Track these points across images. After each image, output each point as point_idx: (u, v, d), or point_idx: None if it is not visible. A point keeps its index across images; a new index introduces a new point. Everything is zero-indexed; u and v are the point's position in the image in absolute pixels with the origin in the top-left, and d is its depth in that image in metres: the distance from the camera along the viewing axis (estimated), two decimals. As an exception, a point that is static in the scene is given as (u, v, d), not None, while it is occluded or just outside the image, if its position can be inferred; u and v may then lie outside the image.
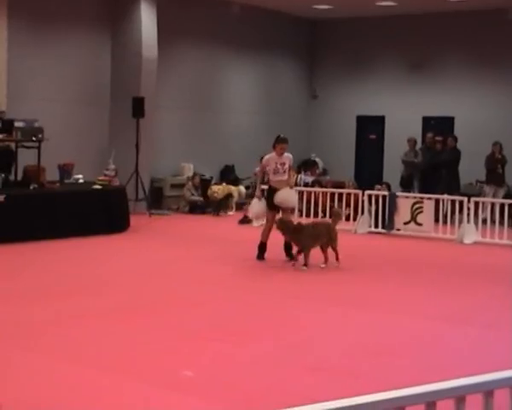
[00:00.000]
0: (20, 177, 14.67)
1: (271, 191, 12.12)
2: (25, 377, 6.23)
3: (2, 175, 14.13)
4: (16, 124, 14.26)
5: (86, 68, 17.92)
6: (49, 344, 7.22)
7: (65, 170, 15.70)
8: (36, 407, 5.67)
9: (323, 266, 11.58)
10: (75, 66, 17.64)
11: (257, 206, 12.52)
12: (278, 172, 12.04)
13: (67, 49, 17.46)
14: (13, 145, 14.64)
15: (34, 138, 14.32)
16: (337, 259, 11.65)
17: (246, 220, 16.92)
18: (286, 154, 12.15)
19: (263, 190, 12.68)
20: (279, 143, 12.14)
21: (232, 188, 19.36)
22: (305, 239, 11.41)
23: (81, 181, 15.75)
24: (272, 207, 12.14)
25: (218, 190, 19.03)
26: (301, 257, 11.52)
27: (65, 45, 17.42)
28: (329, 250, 11.67)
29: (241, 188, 19.67)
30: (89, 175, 16.07)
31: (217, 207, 18.83)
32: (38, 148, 14.35)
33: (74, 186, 15.37)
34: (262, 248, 12.25)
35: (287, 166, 12.14)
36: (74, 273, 10.83)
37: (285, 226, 11.57)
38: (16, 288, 9.73)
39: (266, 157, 12.25)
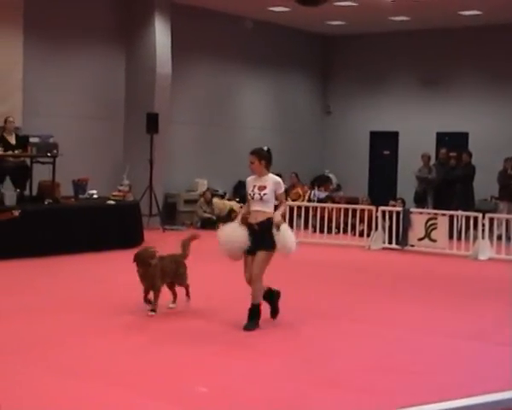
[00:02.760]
0: (34, 192, 14.73)
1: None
2: (38, 392, 6.24)
3: (18, 191, 14.20)
4: (31, 140, 14.35)
5: (101, 84, 18.01)
6: (60, 360, 7.22)
7: (79, 185, 15.73)
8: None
9: (172, 305, 9.43)
10: (90, 82, 17.74)
11: (230, 231, 8.69)
12: (254, 199, 8.57)
13: (82, 66, 17.56)
14: (28, 161, 14.72)
15: (49, 154, 14.38)
16: (187, 294, 9.60)
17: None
18: (270, 175, 8.67)
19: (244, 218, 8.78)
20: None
21: (233, 203, 19.40)
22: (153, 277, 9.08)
23: (95, 196, 15.79)
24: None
25: (221, 205, 19.16)
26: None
27: (79, 61, 17.51)
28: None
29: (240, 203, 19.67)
30: (103, 190, 16.12)
31: (221, 222, 18.79)
32: (53, 163, 14.41)
33: (89, 201, 15.41)
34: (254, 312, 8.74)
35: (268, 191, 8.53)
36: (88, 288, 10.84)
37: (140, 260, 9.11)
38: (31, 302, 9.75)
39: (247, 179, 8.89)
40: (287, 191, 20.00)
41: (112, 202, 15.31)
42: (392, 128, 22.77)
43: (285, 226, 8.56)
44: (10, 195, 13.75)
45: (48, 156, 14.43)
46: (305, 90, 23.56)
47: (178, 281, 9.52)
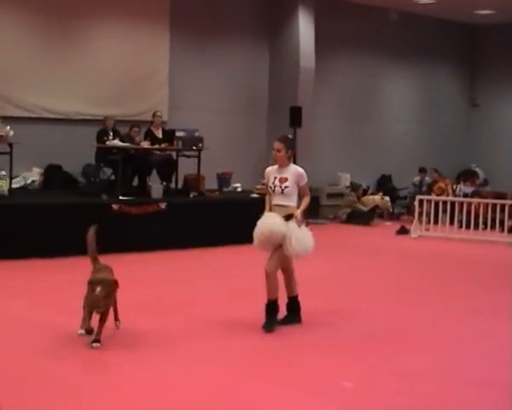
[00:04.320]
0: (180, 185, 14.99)
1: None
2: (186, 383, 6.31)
3: (164, 184, 14.51)
4: (177, 134, 14.58)
5: (244, 79, 18.16)
6: (203, 351, 7.28)
7: (224, 179, 15.92)
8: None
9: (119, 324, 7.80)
10: (234, 77, 17.92)
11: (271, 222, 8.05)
12: (274, 192, 8.03)
13: (226, 61, 17.76)
14: (174, 154, 14.99)
15: (194, 147, 14.58)
16: (116, 319, 7.79)
17: (403, 231, 16.67)
18: (292, 166, 8.10)
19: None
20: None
21: (379, 198, 19.11)
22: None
23: (239, 190, 15.93)
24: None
25: (365, 200, 18.96)
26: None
27: (224, 57, 17.73)
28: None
29: (386, 198, 19.30)
30: (247, 184, 16.25)
31: (367, 217, 18.57)
32: (198, 157, 14.62)
33: (233, 195, 15.56)
34: (270, 308, 8.10)
35: (289, 183, 7.96)
36: (232, 280, 10.93)
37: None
38: (185, 292, 9.91)
39: (268, 168, 8.32)
40: (430, 187, 19.65)
41: (255, 196, 15.37)
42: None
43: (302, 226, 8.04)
44: (157, 188, 14.03)
45: (193, 150, 14.64)
46: (450, 83, 22.98)
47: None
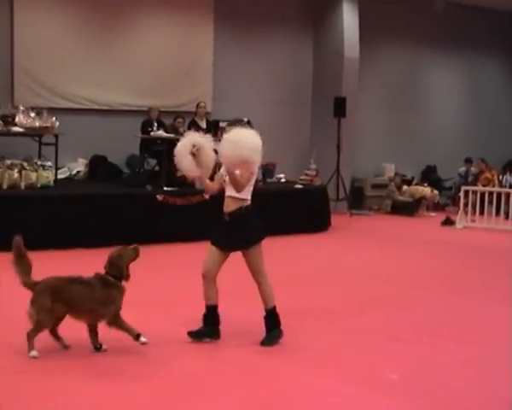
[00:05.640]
0: (224, 176, 14.98)
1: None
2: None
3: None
4: (221, 124, 14.56)
5: (288, 69, 18.12)
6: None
7: (267, 169, 15.90)
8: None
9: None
10: (277, 67, 17.89)
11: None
12: (225, 182, 7.15)
13: (270, 51, 17.73)
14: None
15: (238, 138, 14.55)
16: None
17: (449, 222, 16.52)
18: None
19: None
20: None
21: (426, 189, 18.92)
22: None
23: (283, 180, 15.90)
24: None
25: (413, 190, 18.79)
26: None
27: (267, 47, 17.70)
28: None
29: (436, 192, 19.09)
30: (290, 174, 16.21)
31: (412, 208, 18.41)
32: (243, 147, 14.57)
33: (276, 185, 15.53)
34: (208, 316, 7.14)
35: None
36: (275, 271, 10.89)
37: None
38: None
39: None
40: (476, 177, 19.40)
41: (299, 186, 15.34)
42: None
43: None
44: (201, 178, 14.03)
45: (237, 140, 14.60)
46: (496, 72, 22.66)
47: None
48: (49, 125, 13.00)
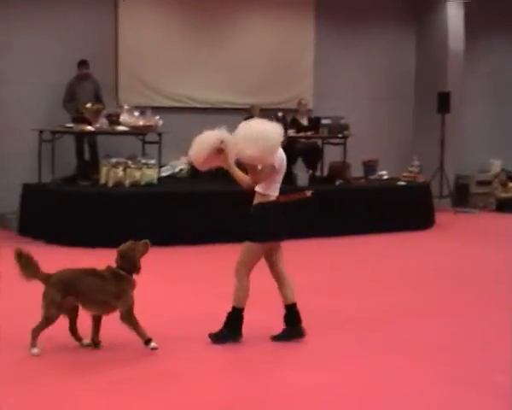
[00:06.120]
0: (326, 173, 14.91)
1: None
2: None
3: (310, 171, 14.48)
4: (323, 121, 14.51)
5: (389, 65, 17.88)
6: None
7: (369, 166, 15.73)
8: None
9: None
10: (378, 63, 17.69)
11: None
12: None
13: (371, 47, 17.54)
14: (319, 142, 14.93)
15: (340, 135, 14.48)
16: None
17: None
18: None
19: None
20: None
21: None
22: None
23: (385, 177, 15.70)
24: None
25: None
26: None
27: (369, 43, 17.51)
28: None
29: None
30: (393, 171, 15.99)
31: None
32: (344, 144, 14.49)
33: (379, 183, 15.34)
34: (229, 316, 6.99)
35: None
36: (378, 268, 10.77)
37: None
38: (328, 281, 9.85)
39: None
40: None
41: (402, 183, 15.11)
42: None
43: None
44: (302, 175, 14.01)
45: (339, 137, 14.53)
46: None
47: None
48: (152, 123, 13.20)
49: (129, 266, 6.65)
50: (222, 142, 6.98)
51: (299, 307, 7.04)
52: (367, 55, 17.53)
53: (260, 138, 6.58)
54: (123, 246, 6.77)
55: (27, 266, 6.43)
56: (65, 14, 14.34)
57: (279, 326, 7.02)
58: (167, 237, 11.68)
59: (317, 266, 10.87)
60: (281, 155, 6.90)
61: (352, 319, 7.90)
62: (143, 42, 14.88)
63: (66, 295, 6.44)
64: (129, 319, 6.53)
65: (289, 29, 16.38)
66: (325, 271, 10.61)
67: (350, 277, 10.21)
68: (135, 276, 6.69)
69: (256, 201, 6.92)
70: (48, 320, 6.42)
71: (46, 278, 6.48)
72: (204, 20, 15.49)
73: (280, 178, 6.98)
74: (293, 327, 6.98)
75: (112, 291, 6.54)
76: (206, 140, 7.08)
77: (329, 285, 9.62)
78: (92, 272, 6.63)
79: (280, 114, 7.12)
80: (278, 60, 16.19)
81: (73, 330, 6.62)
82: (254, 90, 15.72)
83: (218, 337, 6.84)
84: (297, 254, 11.64)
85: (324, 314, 7.95)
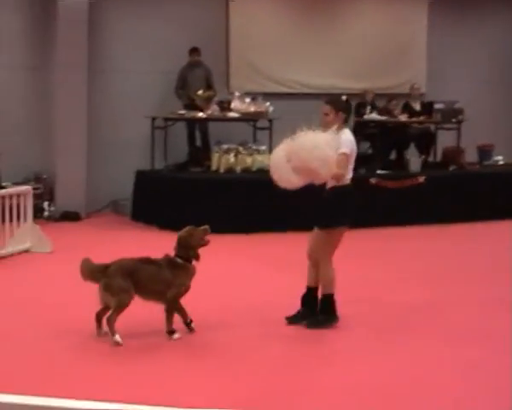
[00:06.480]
0: (439, 158, 14.64)
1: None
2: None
3: (422, 157, 14.27)
4: (436, 106, 14.26)
5: (506, 45, 17.32)
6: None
7: (484, 151, 15.33)
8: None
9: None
10: (494, 46, 17.12)
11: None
12: None
13: (486, 29, 17.02)
14: (433, 127, 14.66)
15: (454, 120, 14.18)
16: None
17: None
18: (344, 130, 6.99)
19: None
20: None
21: None
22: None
23: (501, 163, 15.27)
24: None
25: None
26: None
27: (483, 25, 17.00)
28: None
29: None
30: (509, 157, 15.54)
31: None
32: (458, 129, 14.19)
33: (494, 168, 14.93)
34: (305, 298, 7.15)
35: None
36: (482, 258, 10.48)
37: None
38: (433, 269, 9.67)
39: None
40: None
41: (520, 169, 14.68)
42: None
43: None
44: (415, 161, 13.84)
45: (452, 122, 14.23)
46: None
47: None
48: (263, 110, 13.23)
49: (186, 253, 6.63)
50: (288, 160, 6.73)
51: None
52: (481, 36, 17.02)
53: (314, 153, 6.52)
54: (181, 232, 6.75)
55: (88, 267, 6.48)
56: (176, 2, 14.52)
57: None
58: (278, 223, 11.67)
59: (439, 255, 10.70)
60: (350, 140, 6.87)
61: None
62: (254, 28, 14.91)
63: (129, 281, 6.43)
64: (170, 304, 6.53)
65: (401, 11, 16.11)
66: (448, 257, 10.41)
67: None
68: (195, 263, 6.66)
69: (330, 185, 6.87)
70: (120, 308, 6.40)
71: (102, 270, 6.45)
72: (315, 4, 15.38)
73: (353, 161, 6.98)
74: (326, 315, 6.97)
75: (167, 279, 6.52)
76: (277, 162, 6.88)
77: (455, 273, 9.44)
78: (148, 261, 6.62)
79: (344, 97, 7.02)
80: (390, 43, 15.94)
81: (99, 317, 6.59)
82: (366, 75, 15.51)
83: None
84: (418, 242, 11.52)
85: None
